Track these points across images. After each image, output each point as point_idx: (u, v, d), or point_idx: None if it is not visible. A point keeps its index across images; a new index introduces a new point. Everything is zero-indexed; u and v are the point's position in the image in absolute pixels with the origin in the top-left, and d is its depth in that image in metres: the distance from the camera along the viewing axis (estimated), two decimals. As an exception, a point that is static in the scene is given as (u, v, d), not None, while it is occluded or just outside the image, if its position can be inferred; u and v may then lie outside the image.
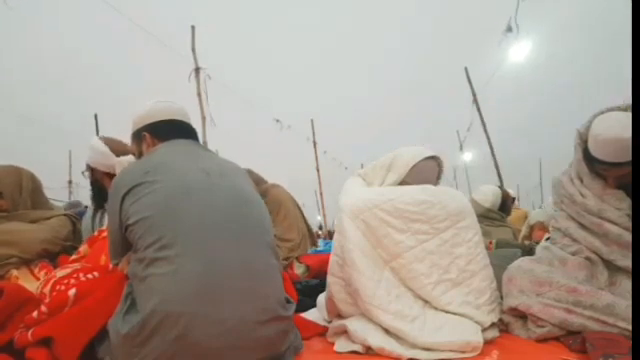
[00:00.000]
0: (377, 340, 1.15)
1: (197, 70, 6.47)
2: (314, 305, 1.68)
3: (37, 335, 0.95)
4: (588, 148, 1.26)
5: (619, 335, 1.09)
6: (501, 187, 2.93)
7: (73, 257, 1.47)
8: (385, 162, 1.54)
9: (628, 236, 1.18)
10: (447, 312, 1.27)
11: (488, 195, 2.76)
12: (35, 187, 1.79)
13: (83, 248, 1.49)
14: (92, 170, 1.77)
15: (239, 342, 0.93)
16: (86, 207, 2.64)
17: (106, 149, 1.77)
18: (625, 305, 1.12)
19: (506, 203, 2.81)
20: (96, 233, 1.54)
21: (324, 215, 11.61)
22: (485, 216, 2.65)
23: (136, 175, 1.02)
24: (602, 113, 1.26)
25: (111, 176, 1.69)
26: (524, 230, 3.28)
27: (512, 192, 3.17)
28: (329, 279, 1.42)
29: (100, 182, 1.76)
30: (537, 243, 2.35)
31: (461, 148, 11.20)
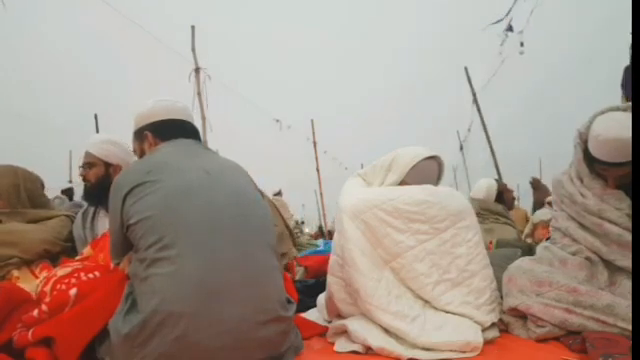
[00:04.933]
0: (377, 340, 1.16)
1: (197, 70, 6.48)
2: (314, 305, 1.68)
3: (37, 335, 0.95)
4: (588, 148, 1.26)
5: (619, 335, 1.09)
6: (498, 180, 2.95)
7: (77, 258, 1.47)
8: (385, 162, 1.54)
9: (628, 236, 1.18)
10: (447, 312, 1.27)
11: (482, 187, 2.78)
12: (34, 187, 1.77)
13: (86, 250, 1.48)
14: (108, 166, 1.75)
15: (239, 342, 0.93)
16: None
17: (130, 148, 1.79)
18: (625, 305, 1.12)
19: (502, 195, 2.81)
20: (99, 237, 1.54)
21: (324, 215, 11.61)
22: (488, 210, 2.65)
23: (138, 175, 1.02)
24: (602, 113, 1.26)
25: None
26: (527, 229, 3.29)
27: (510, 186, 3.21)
28: (329, 279, 1.42)
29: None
30: (537, 243, 2.35)
31: (461, 148, 11.19)
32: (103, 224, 1.73)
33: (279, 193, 5.79)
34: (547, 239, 1.57)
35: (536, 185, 2.90)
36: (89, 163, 1.75)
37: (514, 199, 3.18)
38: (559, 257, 1.32)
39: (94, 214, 1.78)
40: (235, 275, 0.96)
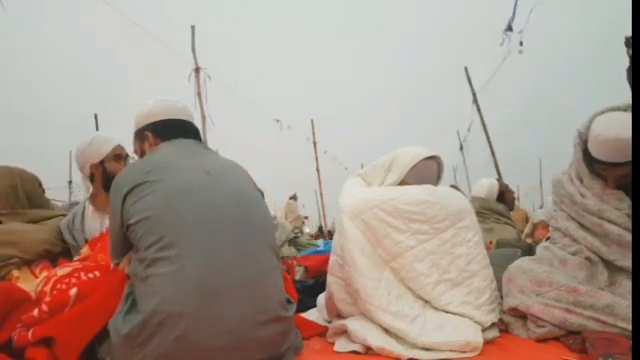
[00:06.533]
0: (377, 340, 1.16)
1: (197, 70, 6.48)
2: (314, 305, 1.68)
3: (37, 335, 0.95)
4: (588, 148, 1.26)
5: (619, 335, 1.09)
6: (499, 180, 2.95)
7: (76, 259, 1.47)
8: (385, 162, 1.54)
9: (628, 236, 1.18)
10: (447, 312, 1.27)
11: (484, 186, 2.78)
12: (32, 187, 1.77)
13: (85, 250, 1.49)
14: None
15: (239, 342, 0.93)
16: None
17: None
18: (625, 305, 1.12)
19: (504, 195, 2.82)
20: (98, 235, 1.54)
21: (324, 215, 11.60)
22: (490, 209, 2.65)
23: (138, 174, 1.02)
24: (602, 113, 1.26)
25: None
26: (527, 229, 3.30)
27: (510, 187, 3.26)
28: (329, 279, 1.42)
29: None
30: (537, 243, 2.35)
31: (461, 148, 11.19)
32: (94, 223, 1.72)
33: (294, 197, 6.04)
34: (547, 239, 1.57)
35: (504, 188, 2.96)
36: (128, 155, 1.76)
37: (515, 199, 3.21)
38: (559, 257, 1.32)
39: (82, 214, 1.75)
40: (235, 275, 0.96)
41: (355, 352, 1.18)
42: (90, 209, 1.76)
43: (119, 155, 1.73)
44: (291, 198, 5.88)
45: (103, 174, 1.72)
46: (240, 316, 0.93)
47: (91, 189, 1.76)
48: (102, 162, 1.71)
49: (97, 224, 1.70)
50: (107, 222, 1.66)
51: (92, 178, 1.74)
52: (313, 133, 11.46)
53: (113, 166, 1.70)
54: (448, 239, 1.36)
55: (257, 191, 1.19)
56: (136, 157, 1.63)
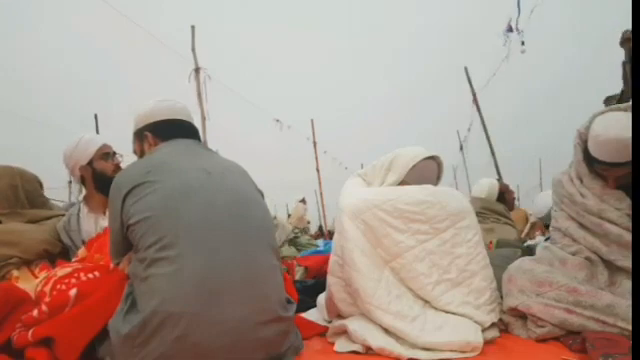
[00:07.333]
0: (377, 340, 1.16)
1: (197, 70, 6.47)
2: (314, 305, 1.68)
3: (37, 335, 0.95)
4: (588, 148, 1.26)
5: (619, 335, 1.09)
6: (499, 180, 2.97)
7: (74, 260, 1.47)
8: (385, 162, 1.55)
9: (628, 236, 1.18)
10: (447, 312, 1.27)
11: (484, 186, 2.79)
12: (32, 187, 1.77)
13: (81, 251, 1.49)
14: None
15: (239, 342, 0.93)
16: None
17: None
18: (625, 305, 1.12)
19: (504, 195, 2.83)
20: (94, 236, 1.54)
21: (324, 215, 11.59)
22: (490, 209, 2.65)
23: (138, 175, 1.02)
24: (602, 113, 1.26)
25: None
26: (526, 229, 3.31)
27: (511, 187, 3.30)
28: (329, 279, 1.42)
29: None
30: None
31: (461, 148, 11.18)
32: (89, 222, 1.73)
33: (303, 200, 6.17)
34: (546, 239, 1.57)
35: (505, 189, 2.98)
36: (115, 152, 1.80)
37: (515, 200, 3.25)
38: (559, 257, 1.32)
39: (78, 215, 1.76)
40: (235, 275, 0.96)
41: (355, 352, 1.18)
42: (84, 210, 1.77)
43: (107, 153, 1.76)
44: (300, 201, 6.08)
45: (93, 174, 1.74)
46: (240, 316, 0.93)
47: (84, 191, 1.78)
48: (90, 163, 1.73)
49: (92, 224, 1.71)
50: (101, 222, 1.69)
51: (83, 180, 1.76)
52: (313, 133, 11.44)
53: (102, 165, 1.74)
54: (448, 239, 1.36)
55: (257, 191, 1.19)
56: (125, 156, 1.65)
